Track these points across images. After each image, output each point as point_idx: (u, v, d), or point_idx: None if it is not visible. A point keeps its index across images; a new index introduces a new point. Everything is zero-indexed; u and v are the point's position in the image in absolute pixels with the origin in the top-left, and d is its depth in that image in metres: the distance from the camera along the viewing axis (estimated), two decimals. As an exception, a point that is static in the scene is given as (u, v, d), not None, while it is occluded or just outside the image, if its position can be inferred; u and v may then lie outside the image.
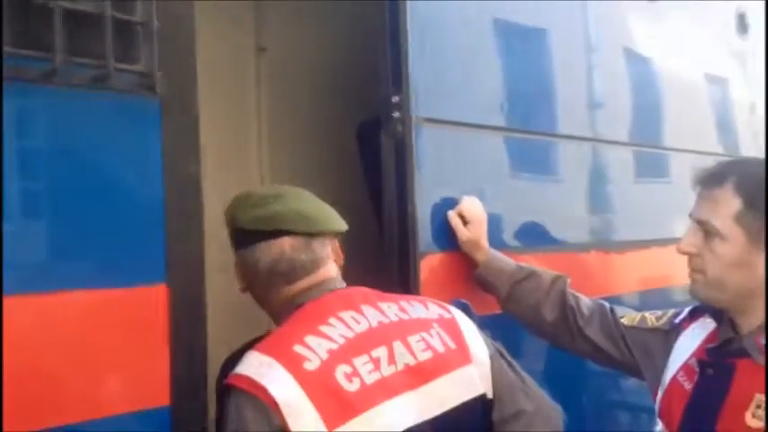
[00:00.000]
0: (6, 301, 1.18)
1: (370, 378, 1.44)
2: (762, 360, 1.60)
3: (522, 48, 2.51)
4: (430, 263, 2.13)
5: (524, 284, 2.13)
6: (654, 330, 1.93)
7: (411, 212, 2.09)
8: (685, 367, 1.75)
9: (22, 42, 1.17)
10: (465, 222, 2.17)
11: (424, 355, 1.53)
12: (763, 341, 1.61)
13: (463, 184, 2.24)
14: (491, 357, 1.64)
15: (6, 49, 1.14)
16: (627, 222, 2.93)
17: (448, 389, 1.54)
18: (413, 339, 1.54)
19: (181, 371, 1.39)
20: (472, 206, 2.19)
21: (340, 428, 1.37)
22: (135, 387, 1.35)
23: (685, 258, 1.71)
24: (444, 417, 1.52)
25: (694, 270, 1.68)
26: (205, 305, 1.49)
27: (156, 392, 1.37)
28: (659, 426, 1.79)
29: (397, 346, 1.51)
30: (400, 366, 1.49)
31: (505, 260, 2.20)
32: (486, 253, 2.19)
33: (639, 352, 1.94)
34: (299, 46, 2.92)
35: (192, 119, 1.41)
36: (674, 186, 3.18)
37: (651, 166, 3.14)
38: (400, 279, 2.10)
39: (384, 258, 2.13)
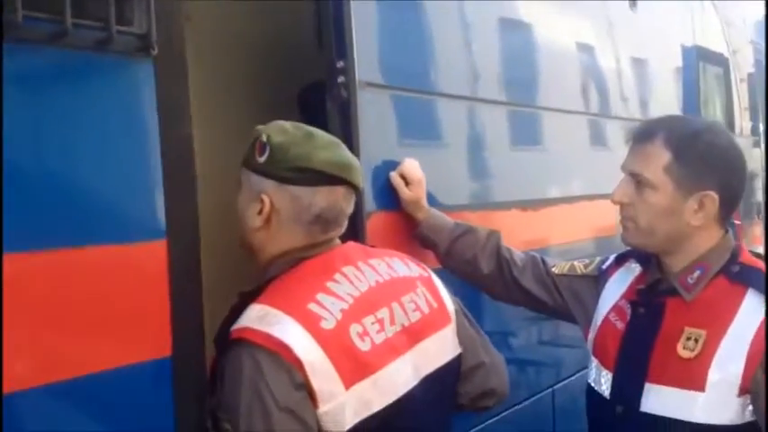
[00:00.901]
0: (14, 258, 1.20)
1: (378, 338, 1.49)
2: (689, 297, 1.78)
3: (454, 15, 2.62)
4: (375, 222, 2.23)
5: (462, 240, 2.26)
6: (583, 277, 2.10)
7: (357, 175, 2.18)
8: (616, 308, 1.90)
9: (31, 4, 1.18)
10: (406, 183, 2.28)
11: (415, 316, 1.60)
12: (689, 280, 1.79)
13: (404, 146, 2.35)
14: (456, 312, 1.74)
15: (23, 12, 1.15)
16: (542, 182, 3.12)
17: (434, 348, 1.63)
18: (405, 299, 1.60)
19: (181, 322, 1.44)
20: (412, 167, 2.30)
21: (355, 387, 1.41)
22: (139, 338, 1.40)
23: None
24: (432, 376, 1.60)
25: (626, 218, 1.82)
26: (200, 259, 1.53)
27: (160, 343, 1.41)
28: (594, 362, 1.93)
29: (395, 306, 1.57)
30: (398, 327, 1.55)
31: (444, 218, 2.33)
32: (426, 211, 2.31)
33: (570, 297, 2.10)
34: (226, 15, 2.92)
35: (183, 80, 1.45)
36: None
37: (564, 131, 3.34)
38: (348, 237, 2.19)
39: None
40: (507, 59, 2.88)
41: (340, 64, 2.15)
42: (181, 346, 1.43)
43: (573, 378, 3.06)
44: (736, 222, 5.49)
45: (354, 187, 1.60)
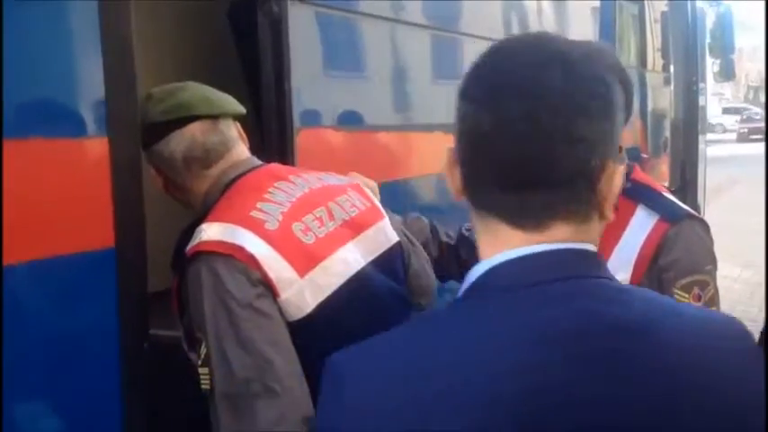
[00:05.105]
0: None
1: (320, 232, 1.61)
2: None
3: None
4: (303, 138, 2.31)
5: (412, 226, 2.29)
6: None
7: (287, 90, 2.25)
8: None
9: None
10: None
11: (352, 211, 1.72)
12: None
13: (334, 63, 2.42)
14: (386, 213, 1.86)
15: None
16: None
17: (375, 236, 1.75)
18: (340, 200, 1.72)
19: (123, 216, 1.52)
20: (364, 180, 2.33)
21: (308, 274, 1.53)
22: (85, 230, 1.48)
23: None
24: (379, 260, 1.73)
25: None
26: (140, 157, 1.60)
27: (104, 235, 1.50)
28: None
29: (332, 205, 1.68)
30: (338, 222, 1.67)
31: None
32: None
33: None
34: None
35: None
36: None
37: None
38: (279, 151, 2.27)
39: (262, 134, 2.28)
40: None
41: (272, -22, 2.19)
42: (124, 238, 1.51)
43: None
44: (644, 156, 5.77)
45: (217, 116, 1.71)
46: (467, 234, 2.22)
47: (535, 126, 0.85)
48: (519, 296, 0.85)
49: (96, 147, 1.47)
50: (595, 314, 0.83)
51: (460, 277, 2.20)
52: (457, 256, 2.21)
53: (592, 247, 0.92)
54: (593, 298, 0.86)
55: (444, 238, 2.24)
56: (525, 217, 0.88)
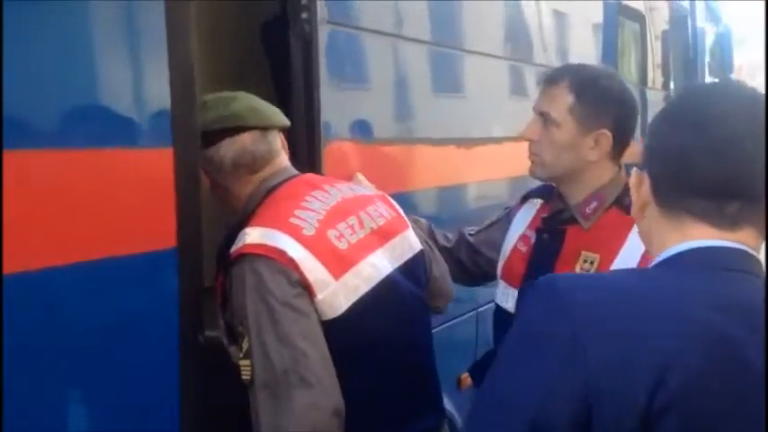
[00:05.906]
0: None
1: (353, 239, 1.78)
2: (587, 224, 2.03)
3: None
4: (332, 149, 2.46)
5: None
6: (491, 224, 2.36)
7: (317, 106, 2.38)
8: (523, 237, 2.17)
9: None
10: None
11: (380, 221, 1.89)
12: (587, 210, 2.03)
13: (361, 82, 2.57)
14: (410, 222, 2.04)
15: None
16: (473, 121, 3.39)
17: (402, 244, 1.92)
18: (369, 209, 1.89)
19: (184, 219, 1.67)
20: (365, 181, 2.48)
21: (342, 277, 1.70)
22: (151, 231, 1.64)
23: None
24: (404, 267, 1.90)
25: (533, 153, 2.07)
26: (199, 165, 1.77)
27: (167, 236, 1.66)
28: (501, 284, 2.19)
29: (362, 214, 1.85)
30: (368, 230, 1.83)
31: None
32: None
33: (487, 249, 2.33)
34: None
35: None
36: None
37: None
38: (308, 162, 2.42)
39: (293, 146, 2.43)
40: (451, 9, 3.14)
41: (303, 0, 2.32)
42: (184, 239, 1.67)
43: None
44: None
45: (266, 127, 1.87)
46: (470, 238, 2.37)
47: (738, 148, 1.09)
48: (708, 273, 1.12)
49: (162, 157, 1.63)
50: (754, 300, 1.10)
51: (460, 278, 2.38)
52: (455, 258, 2.36)
53: (758, 255, 1.17)
54: (755, 290, 1.12)
55: (442, 241, 2.37)
56: (722, 218, 1.12)
